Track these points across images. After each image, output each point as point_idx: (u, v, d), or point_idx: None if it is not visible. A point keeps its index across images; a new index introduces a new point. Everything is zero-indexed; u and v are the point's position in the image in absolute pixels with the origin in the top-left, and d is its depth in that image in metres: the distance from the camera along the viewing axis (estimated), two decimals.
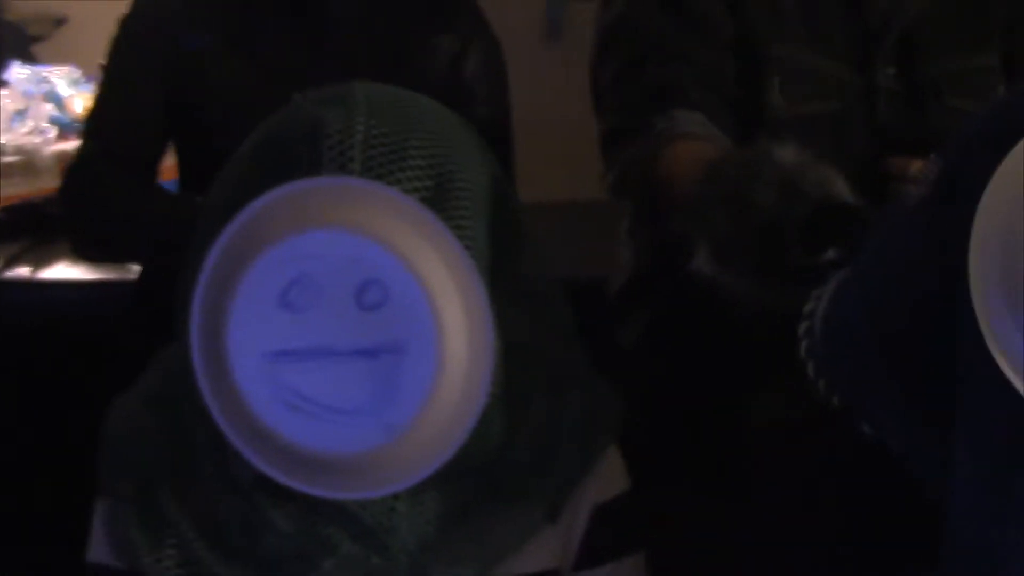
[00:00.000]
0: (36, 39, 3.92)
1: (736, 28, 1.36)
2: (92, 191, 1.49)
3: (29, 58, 3.19)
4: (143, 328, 1.18)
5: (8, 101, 2.66)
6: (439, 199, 0.84)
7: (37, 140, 2.61)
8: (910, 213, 0.81)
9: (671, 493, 1.22)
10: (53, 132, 2.53)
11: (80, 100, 2.58)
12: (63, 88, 2.60)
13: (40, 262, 1.71)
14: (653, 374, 1.41)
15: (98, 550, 0.96)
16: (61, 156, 2.41)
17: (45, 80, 2.75)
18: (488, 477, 0.92)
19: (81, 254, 1.56)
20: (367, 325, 0.81)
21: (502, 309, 0.88)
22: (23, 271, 1.71)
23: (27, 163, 2.66)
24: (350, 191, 0.81)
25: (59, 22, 4.14)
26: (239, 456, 0.85)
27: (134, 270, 1.58)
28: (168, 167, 1.61)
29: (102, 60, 1.56)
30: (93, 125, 1.54)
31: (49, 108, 2.70)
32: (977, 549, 0.72)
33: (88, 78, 2.62)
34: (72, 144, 2.33)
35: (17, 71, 2.82)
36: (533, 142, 1.69)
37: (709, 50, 1.35)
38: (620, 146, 1.36)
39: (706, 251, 1.15)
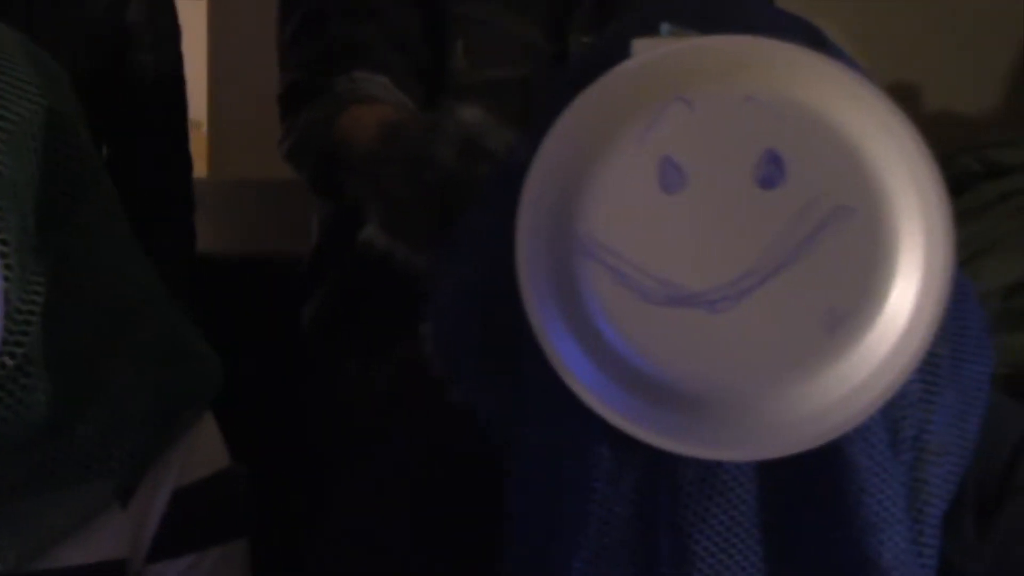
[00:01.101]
0: None
1: None
2: None
3: None
4: None
5: None
6: None
7: None
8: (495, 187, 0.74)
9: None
10: None
11: None
12: None
13: None
14: (326, 353, 1.31)
15: None
16: None
17: None
18: (42, 455, 0.79)
19: None
20: None
21: (55, 261, 0.77)
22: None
23: None
24: None
25: None
26: None
27: None
28: None
29: None
30: None
31: None
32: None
33: None
34: None
35: None
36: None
37: (394, 7, 1.26)
38: (297, 108, 1.27)
39: (379, 218, 1.07)
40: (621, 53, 0.63)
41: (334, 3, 1.27)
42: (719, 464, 0.62)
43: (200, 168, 1.75)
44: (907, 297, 0.60)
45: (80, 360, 0.79)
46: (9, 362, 0.74)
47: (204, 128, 2.01)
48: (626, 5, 1.33)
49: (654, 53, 0.62)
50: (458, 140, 1.02)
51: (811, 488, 0.63)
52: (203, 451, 0.87)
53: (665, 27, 0.64)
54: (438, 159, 1.01)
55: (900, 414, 0.63)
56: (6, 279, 0.72)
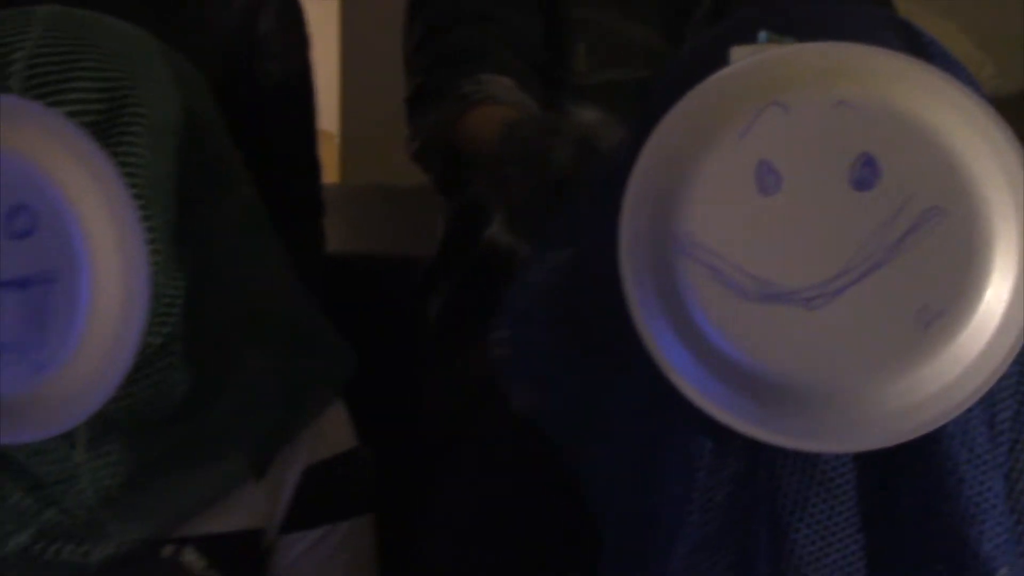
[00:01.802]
0: None
1: None
2: None
3: None
4: None
5: None
6: (108, 124, 0.78)
7: None
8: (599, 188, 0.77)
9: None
10: None
11: None
12: None
13: None
14: (449, 348, 1.36)
15: None
16: None
17: None
18: (183, 431, 0.86)
19: None
20: (17, 254, 0.74)
21: (194, 251, 0.83)
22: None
23: None
24: (4, 111, 0.76)
25: None
26: None
27: None
28: None
29: None
30: None
31: None
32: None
33: None
34: None
35: None
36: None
37: (518, 12, 1.30)
38: (425, 110, 1.31)
39: (502, 216, 1.12)
40: (719, 59, 0.66)
41: (459, 9, 1.31)
42: (818, 455, 0.64)
43: (332, 175, 1.82)
44: (1002, 296, 0.61)
45: (216, 345, 0.85)
46: (155, 342, 0.80)
47: (336, 139, 2.08)
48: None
49: (751, 59, 0.64)
50: (575, 141, 1.05)
51: (909, 480, 0.64)
52: (333, 432, 0.92)
53: (763, 35, 0.66)
54: (556, 159, 1.05)
55: (997, 404, 0.64)
56: (154, 263, 0.78)
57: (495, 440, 0.87)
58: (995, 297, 0.61)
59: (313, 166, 1.44)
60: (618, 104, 1.23)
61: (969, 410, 0.63)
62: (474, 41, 1.29)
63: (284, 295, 0.92)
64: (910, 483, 0.64)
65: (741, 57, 0.65)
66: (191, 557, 0.86)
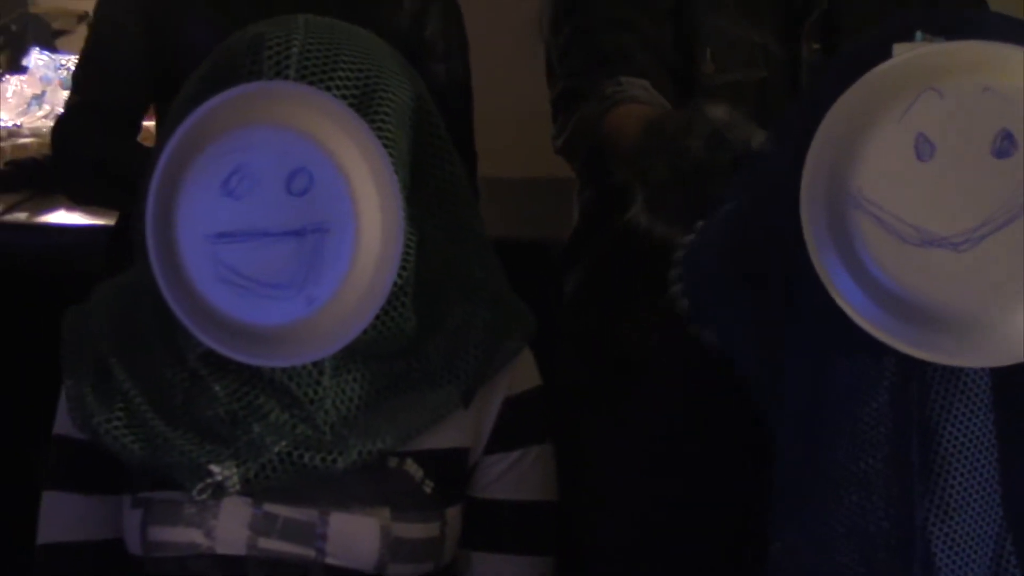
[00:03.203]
0: (60, 33, 4.08)
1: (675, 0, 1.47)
2: (74, 142, 1.60)
3: (52, 50, 3.34)
4: (118, 266, 1.29)
5: (27, 86, 2.79)
6: (363, 104, 0.96)
7: (51, 123, 2.75)
8: (764, 161, 0.93)
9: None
10: None
11: None
12: None
13: (36, 210, 1.84)
14: (586, 320, 1.52)
15: (61, 422, 1.07)
16: None
17: (63, 67, 2.89)
18: (407, 364, 1.03)
19: (72, 199, 1.67)
20: (295, 208, 0.92)
21: (420, 213, 1.00)
22: (20, 216, 1.84)
23: (40, 144, 2.80)
24: (285, 93, 0.93)
25: (82, 18, 4.31)
26: (184, 330, 0.96)
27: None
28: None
29: None
30: (78, 78, 1.65)
31: (65, 94, 2.83)
32: (800, 415, 0.84)
33: None
34: None
35: (37, 57, 2.96)
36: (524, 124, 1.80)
37: (651, 20, 1.45)
38: (571, 109, 1.47)
39: (642, 199, 1.26)
40: (884, 54, 0.82)
41: (600, 19, 1.46)
42: (961, 370, 0.80)
43: None
44: None
45: (434, 295, 1.03)
46: (399, 281, 0.97)
47: None
48: (850, 18, 1.51)
49: (911, 53, 0.80)
50: (707, 134, 1.19)
51: None
52: (524, 372, 1.09)
53: (919, 34, 0.82)
54: (691, 150, 1.19)
55: None
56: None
57: (657, 399, 1.02)
58: None
59: (471, 157, 1.61)
60: (742, 101, 1.38)
61: None
62: (616, 47, 1.44)
63: (485, 260, 1.08)
64: None
65: (903, 52, 0.81)
66: (412, 468, 1.03)
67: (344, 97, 0.95)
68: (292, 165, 0.92)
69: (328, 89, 0.94)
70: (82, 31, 4.19)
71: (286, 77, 0.94)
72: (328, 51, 0.97)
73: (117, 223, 1.67)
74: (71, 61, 3.02)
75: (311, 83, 0.95)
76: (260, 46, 0.96)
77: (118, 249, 1.62)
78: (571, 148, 1.48)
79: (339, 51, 0.97)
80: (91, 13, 1.64)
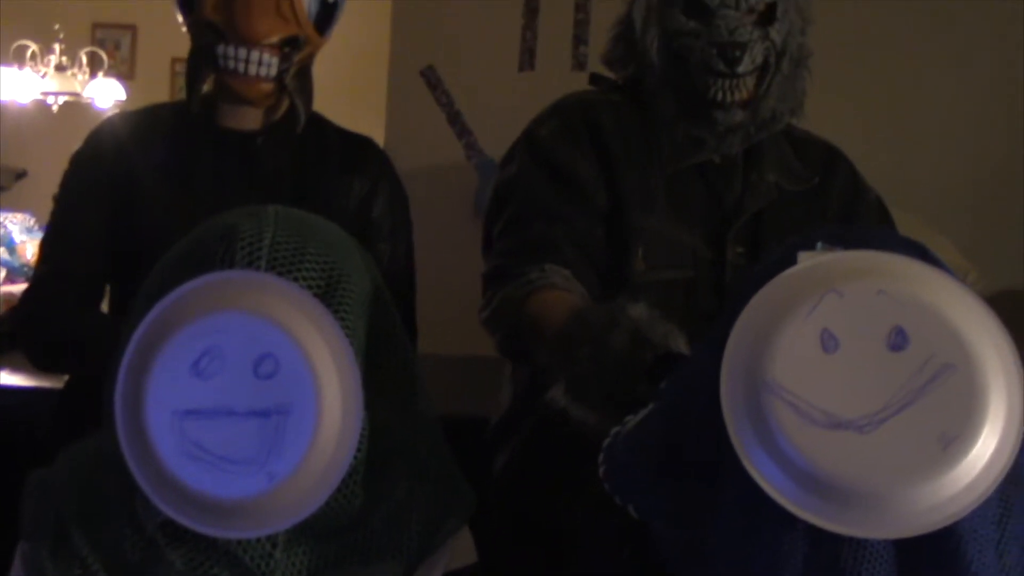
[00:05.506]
0: None
1: (610, 200, 1.60)
2: (38, 310, 1.67)
3: None
4: (66, 428, 1.34)
5: None
6: (328, 295, 1.04)
7: None
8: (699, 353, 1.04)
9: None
10: (1, 274, 2.72)
11: (31, 247, 2.78)
12: (17, 234, 2.79)
13: None
14: (515, 495, 1.59)
15: None
16: (7, 298, 2.57)
17: (1, 225, 2.96)
18: (351, 540, 1.09)
19: (33, 364, 1.72)
20: (261, 390, 0.99)
21: (373, 396, 1.07)
22: None
23: None
24: (256, 282, 1.01)
25: (19, 176, 4.40)
26: (144, 500, 1.01)
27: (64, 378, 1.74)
28: None
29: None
30: (45, 249, 1.72)
31: (1, 252, 2.89)
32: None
33: (41, 227, 2.82)
34: (19, 287, 2.50)
35: None
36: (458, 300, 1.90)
37: (584, 216, 1.58)
38: (497, 287, 1.58)
39: (563, 384, 1.35)
40: (790, 261, 0.93)
41: (536, 211, 1.59)
42: (867, 540, 0.89)
43: None
44: (996, 427, 0.88)
45: (380, 472, 1.09)
46: (353, 461, 1.03)
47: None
48: (773, 226, 1.63)
49: (814, 260, 0.92)
50: (630, 331, 1.29)
51: (934, 557, 0.89)
52: (462, 549, 1.16)
53: (819, 244, 0.94)
54: (615, 345, 1.29)
55: (990, 504, 0.89)
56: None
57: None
58: (991, 428, 0.87)
59: (414, 334, 1.70)
60: (671, 298, 1.48)
61: (975, 511, 0.88)
62: (545, 237, 1.57)
63: (431, 439, 1.16)
64: (935, 560, 0.89)
65: (806, 259, 0.93)
66: None
67: (310, 287, 1.04)
68: (260, 350, 0.99)
69: (296, 280, 1.03)
70: (20, 188, 4.29)
71: (257, 267, 1.03)
72: (297, 243, 1.06)
73: (66, 386, 1.72)
74: (8, 219, 3.10)
75: (280, 274, 1.03)
76: (234, 237, 1.05)
77: (66, 412, 1.67)
78: (493, 323, 1.58)
79: (307, 243, 1.06)
80: (58, 188, 1.72)
